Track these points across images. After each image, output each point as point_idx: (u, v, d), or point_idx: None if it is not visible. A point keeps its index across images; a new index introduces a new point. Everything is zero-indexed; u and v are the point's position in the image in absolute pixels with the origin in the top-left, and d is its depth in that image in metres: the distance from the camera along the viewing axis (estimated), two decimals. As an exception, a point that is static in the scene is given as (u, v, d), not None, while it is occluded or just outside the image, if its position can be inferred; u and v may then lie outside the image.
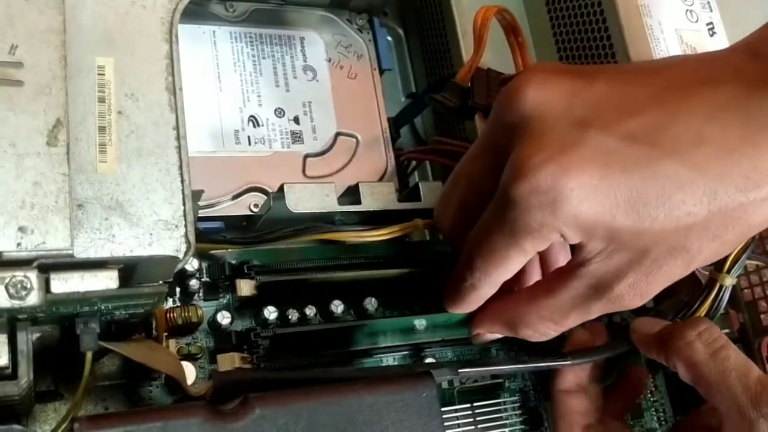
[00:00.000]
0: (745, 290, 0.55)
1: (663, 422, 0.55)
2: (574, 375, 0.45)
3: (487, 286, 0.39)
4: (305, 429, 0.31)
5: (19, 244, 0.30)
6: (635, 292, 0.36)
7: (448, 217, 0.43)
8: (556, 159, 0.33)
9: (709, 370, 0.40)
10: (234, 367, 0.40)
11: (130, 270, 0.32)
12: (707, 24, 0.50)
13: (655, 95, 0.34)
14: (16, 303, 0.29)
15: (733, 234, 0.34)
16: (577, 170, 0.33)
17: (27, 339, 0.31)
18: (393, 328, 0.46)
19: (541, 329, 0.40)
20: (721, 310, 0.46)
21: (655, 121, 0.33)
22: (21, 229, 0.30)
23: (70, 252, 0.31)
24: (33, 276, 0.29)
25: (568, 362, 0.43)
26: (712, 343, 0.40)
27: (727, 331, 0.55)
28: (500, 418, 0.46)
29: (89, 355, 0.32)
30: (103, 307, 0.32)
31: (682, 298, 0.48)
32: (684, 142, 0.33)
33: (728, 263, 0.45)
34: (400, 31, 0.61)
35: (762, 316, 0.54)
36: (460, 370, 0.38)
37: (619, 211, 0.33)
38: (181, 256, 0.34)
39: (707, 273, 0.46)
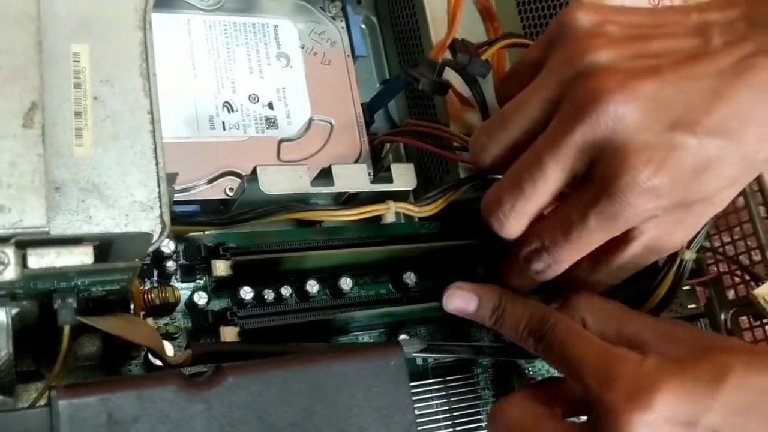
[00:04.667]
0: (711, 266, 0.56)
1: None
2: None
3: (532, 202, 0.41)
4: (277, 396, 0.32)
5: (-4, 222, 0.31)
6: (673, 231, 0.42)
7: (492, 155, 0.44)
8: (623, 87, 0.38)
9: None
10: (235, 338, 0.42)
11: (106, 248, 0.33)
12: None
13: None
14: (-6, 278, 0.30)
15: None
16: None
17: (6, 313, 0.32)
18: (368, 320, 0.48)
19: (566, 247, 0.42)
20: (684, 284, 0.48)
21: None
22: (-2, 207, 0.31)
23: (46, 229, 0.32)
24: (10, 252, 0.30)
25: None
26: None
27: (693, 306, 0.56)
28: (474, 391, 0.47)
29: (67, 328, 0.33)
30: (79, 283, 0.33)
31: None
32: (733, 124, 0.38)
33: (688, 238, 0.47)
34: (374, 19, 0.62)
35: (727, 290, 0.56)
36: (426, 354, 0.39)
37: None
38: (156, 236, 0.35)
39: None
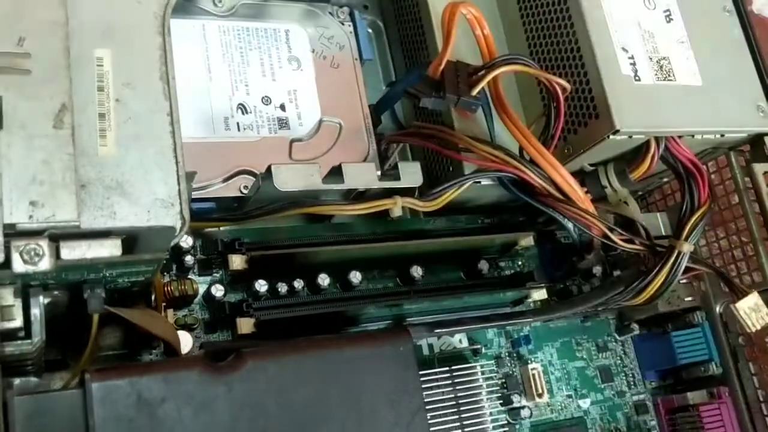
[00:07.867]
0: (707, 260, 0.58)
1: (632, 386, 0.59)
2: None
3: None
4: (293, 379, 0.34)
5: (31, 217, 0.33)
6: None
7: None
8: None
9: None
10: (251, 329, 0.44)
11: (131, 241, 0.36)
12: (664, 11, 0.53)
13: None
14: (30, 268, 0.32)
15: None
16: None
17: (39, 303, 0.34)
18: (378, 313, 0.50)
19: None
20: (679, 277, 0.50)
21: None
22: (32, 203, 0.33)
23: (77, 224, 0.34)
24: (44, 244, 0.32)
25: (529, 320, 0.46)
26: None
27: (690, 298, 0.58)
28: (477, 380, 0.49)
29: (96, 317, 0.35)
30: (107, 274, 0.35)
31: (641, 268, 0.51)
32: None
33: (686, 230, 0.48)
34: (380, 24, 0.64)
35: (721, 283, 0.57)
36: (436, 330, 0.41)
37: None
38: (177, 230, 0.37)
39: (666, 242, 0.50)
